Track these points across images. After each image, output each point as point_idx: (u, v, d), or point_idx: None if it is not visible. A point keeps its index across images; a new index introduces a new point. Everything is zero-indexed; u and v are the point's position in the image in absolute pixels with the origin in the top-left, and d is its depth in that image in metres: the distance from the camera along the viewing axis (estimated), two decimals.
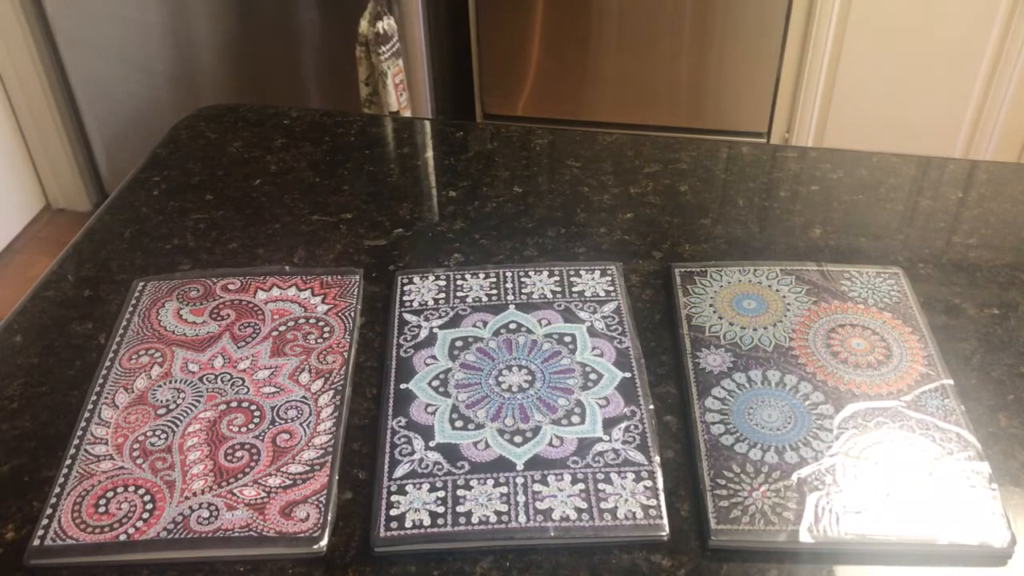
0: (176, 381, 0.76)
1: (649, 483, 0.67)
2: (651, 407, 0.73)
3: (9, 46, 2.17)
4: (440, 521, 0.65)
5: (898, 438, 0.70)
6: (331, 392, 0.75)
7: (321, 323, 0.81)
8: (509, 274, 0.86)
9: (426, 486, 0.67)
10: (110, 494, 0.67)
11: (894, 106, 2.03)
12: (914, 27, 1.91)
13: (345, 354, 0.78)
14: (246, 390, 0.75)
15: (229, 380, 0.76)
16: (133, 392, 0.75)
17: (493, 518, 0.65)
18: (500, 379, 0.75)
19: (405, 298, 0.84)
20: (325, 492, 0.67)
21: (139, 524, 0.65)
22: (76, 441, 0.71)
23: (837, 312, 0.81)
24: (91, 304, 0.86)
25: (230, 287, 0.85)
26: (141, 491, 0.67)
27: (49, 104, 2.26)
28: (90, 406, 0.74)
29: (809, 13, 1.95)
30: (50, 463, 0.70)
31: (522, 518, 0.65)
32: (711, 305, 0.82)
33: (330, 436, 0.71)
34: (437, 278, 0.86)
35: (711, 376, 0.75)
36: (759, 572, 0.63)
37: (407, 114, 1.63)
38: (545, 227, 0.94)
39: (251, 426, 0.72)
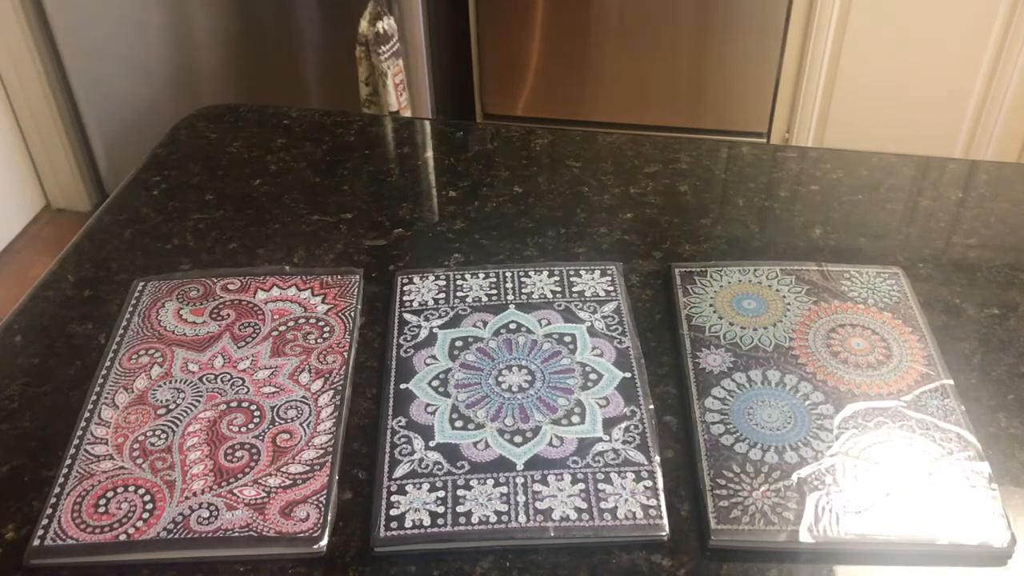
0: (176, 381, 0.76)
1: (649, 483, 0.67)
2: (651, 407, 0.73)
3: (9, 46, 2.17)
4: (440, 521, 0.65)
5: (898, 438, 0.70)
6: (331, 392, 0.75)
7: (321, 323, 0.81)
8: (509, 274, 0.86)
9: (426, 486, 0.67)
10: (110, 494, 0.67)
11: (894, 106, 2.03)
12: (914, 27, 1.91)
13: (345, 354, 0.78)
14: (246, 390, 0.75)
15: (229, 380, 0.76)
16: (133, 392, 0.75)
17: (493, 518, 0.65)
18: (500, 379, 0.75)
19: (405, 298, 0.84)
20: (325, 492, 0.67)
21: (139, 524, 0.65)
22: (76, 441, 0.71)
23: (837, 312, 0.81)
24: (91, 304, 0.86)
25: (230, 287, 0.85)
26: (141, 491, 0.67)
27: (49, 104, 2.26)
28: (90, 406, 0.74)
29: (809, 13, 1.95)
30: (50, 463, 0.70)
31: (522, 518, 0.65)
32: (711, 305, 0.82)
33: (330, 436, 0.71)
34: (437, 278, 0.86)
35: (711, 376, 0.75)
36: (759, 572, 0.63)
37: (407, 114, 1.63)
38: (545, 227, 0.94)
39: (251, 426, 0.72)
